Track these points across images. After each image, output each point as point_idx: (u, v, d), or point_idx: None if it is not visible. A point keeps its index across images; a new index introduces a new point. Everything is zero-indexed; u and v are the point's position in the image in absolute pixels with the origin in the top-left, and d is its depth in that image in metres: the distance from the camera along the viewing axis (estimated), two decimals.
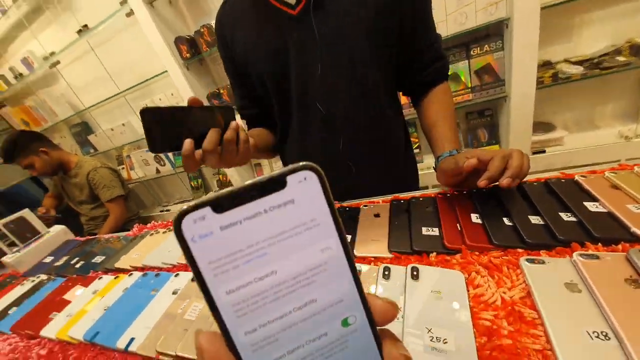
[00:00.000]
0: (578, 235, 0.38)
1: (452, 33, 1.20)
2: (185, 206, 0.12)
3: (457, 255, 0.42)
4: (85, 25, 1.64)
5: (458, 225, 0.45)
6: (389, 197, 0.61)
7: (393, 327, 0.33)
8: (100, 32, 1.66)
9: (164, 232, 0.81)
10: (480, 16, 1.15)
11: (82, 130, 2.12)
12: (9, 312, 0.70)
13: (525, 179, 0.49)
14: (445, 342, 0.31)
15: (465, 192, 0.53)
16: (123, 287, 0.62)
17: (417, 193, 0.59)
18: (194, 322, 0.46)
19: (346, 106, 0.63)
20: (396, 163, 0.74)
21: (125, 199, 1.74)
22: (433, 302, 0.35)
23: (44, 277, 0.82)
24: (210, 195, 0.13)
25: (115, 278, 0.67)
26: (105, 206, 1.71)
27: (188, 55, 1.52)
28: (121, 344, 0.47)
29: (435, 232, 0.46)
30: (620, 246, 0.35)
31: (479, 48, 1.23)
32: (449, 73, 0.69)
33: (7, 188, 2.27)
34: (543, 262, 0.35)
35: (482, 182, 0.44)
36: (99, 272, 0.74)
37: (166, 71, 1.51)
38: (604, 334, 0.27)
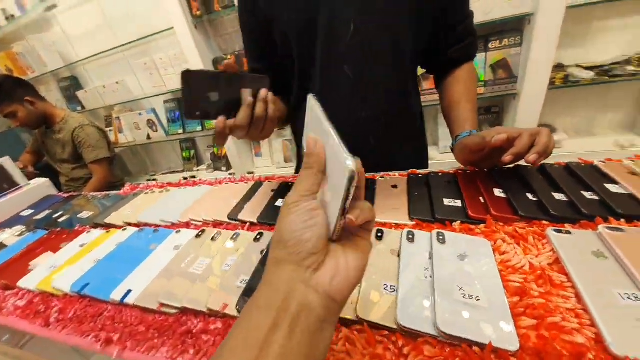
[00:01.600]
0: (601, 212, 0.38)
1: (477, 22, 1.17)
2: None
3: (481, 225, 0.41)
4: None
5: (481, 198, 0.45)
6: (405, 172, 0.60)
7: (423, 285, 0.33)
8: None
9: (160, 192, 0.77)
10: (506, 8, 1.14)
11: (71, 85, 1.96)
12: None
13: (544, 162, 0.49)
14: (478, 300, 0.30)
15: (485, 170, 0.52)
16: (116, 242, 0.59)
17: (435, 170, 0.58)
18: (200, 275, 0.44)
19: (377, 73, 0.60)
20: (413, 139, 0.74)
21: (110, 163, 1.65)
22: (461, 264, 0.35)
23: (22, 228, 0.77)
24: None
25: (106, 232, 0.63)
26: (88, 167, 1.61)
27: (199, 12, 1.42)
28: (116, 295, 0.44)
29: (457, 203, 0.46)
30: None
31: (497, 41, 1.22)
32: None
33: None
34: (569, 233, 0.36)
35: (507, 157, 0.43)
36: (87, 226, 0.69)
37: (172, 28, 1.41)
38: (634, 295, 0.28)
